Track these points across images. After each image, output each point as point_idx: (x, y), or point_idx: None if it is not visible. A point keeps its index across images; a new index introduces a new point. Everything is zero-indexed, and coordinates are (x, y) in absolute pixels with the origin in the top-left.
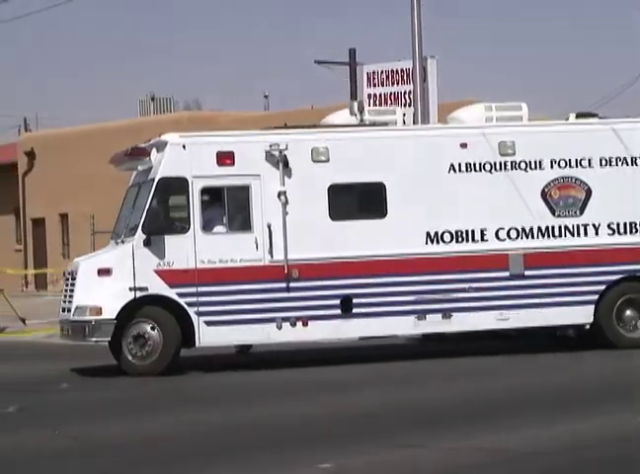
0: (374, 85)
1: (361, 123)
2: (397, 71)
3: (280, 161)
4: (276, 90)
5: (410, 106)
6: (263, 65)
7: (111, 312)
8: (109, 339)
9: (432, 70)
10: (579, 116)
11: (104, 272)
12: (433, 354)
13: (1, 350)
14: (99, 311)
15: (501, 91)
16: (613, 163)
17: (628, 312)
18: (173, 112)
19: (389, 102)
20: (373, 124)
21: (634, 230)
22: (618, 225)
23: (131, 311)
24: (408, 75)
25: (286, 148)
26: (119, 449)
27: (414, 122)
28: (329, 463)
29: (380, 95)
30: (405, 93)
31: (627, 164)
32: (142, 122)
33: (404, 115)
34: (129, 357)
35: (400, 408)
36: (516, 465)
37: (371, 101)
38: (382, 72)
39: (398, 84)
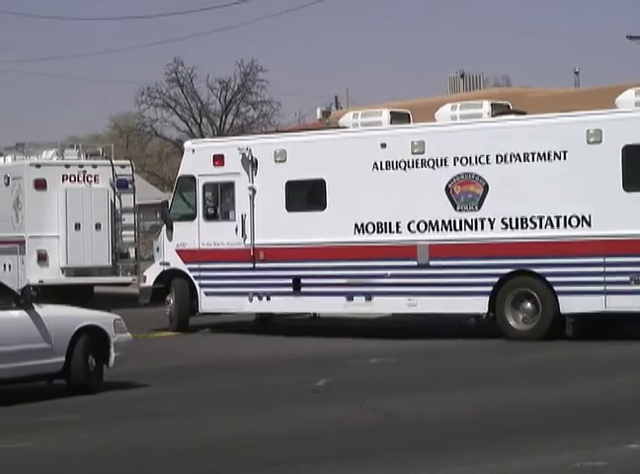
0: None
1: (321, 127)
2: None
3: (251, 161)
4: (587, 66)
5: None
6: (574, 40)
7: (149, 281)
8: (147, 301)
9: None
10: (496, 114)
11: (157, 249)
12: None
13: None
14: (145, 280)
15: None
16: (508, 160)
17: (528, 305)
18: (483, 89)
19: None
20: (336, 127)
21: (525, 225)
22: (511, 220)
23: (168, 281)
24: None
25: (252, 151)
26: (434, 424)
27: None
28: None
29: None
30: None
31: (520, 160)
32: (451, 100)
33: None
34: (168, 320)
35: None
36: None
37: None
38: None
39: None
